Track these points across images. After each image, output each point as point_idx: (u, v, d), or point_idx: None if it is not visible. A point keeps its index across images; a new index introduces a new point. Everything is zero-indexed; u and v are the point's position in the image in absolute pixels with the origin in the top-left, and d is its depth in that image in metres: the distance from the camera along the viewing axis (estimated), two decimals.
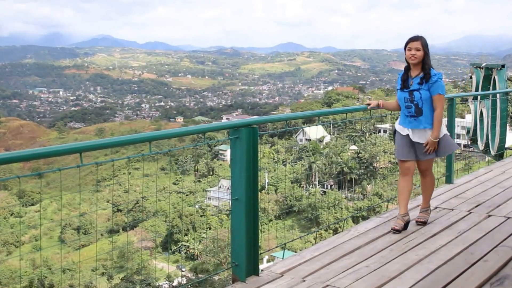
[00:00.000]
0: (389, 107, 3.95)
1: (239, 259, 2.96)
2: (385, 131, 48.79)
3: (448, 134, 3.80)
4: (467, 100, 7.03)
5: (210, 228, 40.06)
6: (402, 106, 3.69)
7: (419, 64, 3.58)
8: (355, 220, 29.54)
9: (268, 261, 21.44)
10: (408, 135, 3.70)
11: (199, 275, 27.89)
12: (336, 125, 49.88)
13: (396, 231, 3.67)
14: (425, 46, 3.58)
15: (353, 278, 2.92)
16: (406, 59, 3.63)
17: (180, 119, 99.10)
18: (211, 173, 53.18)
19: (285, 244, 3.58)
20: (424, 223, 3.83)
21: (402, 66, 3.76)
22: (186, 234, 40.30)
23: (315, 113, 4.19)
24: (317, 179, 46.96)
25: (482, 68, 7.67)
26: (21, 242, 41.71)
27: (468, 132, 8.03)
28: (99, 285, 31.43)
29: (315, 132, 45.19)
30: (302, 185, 46.42)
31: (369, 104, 3.90)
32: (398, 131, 3.76)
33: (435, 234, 3.69)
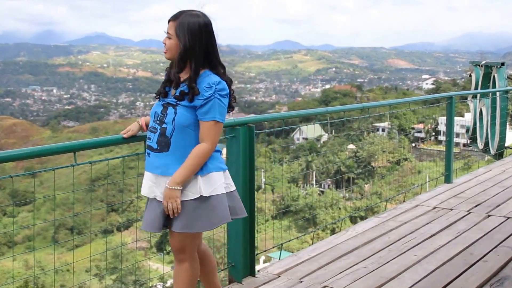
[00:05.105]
0: None
1: (235, 259, 2.93)
2: (383, 130, 48.94)
3: (232, 189, 2.19)
4: (466, 98, 7.02)
5: None
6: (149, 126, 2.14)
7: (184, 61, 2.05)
8: (353, 220, 29.53)
9: (264, 261, 21.38)
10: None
11: None
12: (333, 124, 49.93)
13: None
14: (184, 31, 2.01)
15: (351, 279, 2.90)
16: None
17: None
18: None
19: (282, 244, 3.54)
20: None
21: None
22: None
23: (312, 112, 4.16)
24: (314, 178, 47.00)
25: (482, 66, 7.65)
26: (14, 242, 41.49)
27: (467, 131, 8.02)
28: (93, 286, 31.29)
29: (312, 130, 45.25)
30: (299, 185, 46.46)
31: (126, 132, 2.31)
32: None
33: (434, 234, 3.67)
